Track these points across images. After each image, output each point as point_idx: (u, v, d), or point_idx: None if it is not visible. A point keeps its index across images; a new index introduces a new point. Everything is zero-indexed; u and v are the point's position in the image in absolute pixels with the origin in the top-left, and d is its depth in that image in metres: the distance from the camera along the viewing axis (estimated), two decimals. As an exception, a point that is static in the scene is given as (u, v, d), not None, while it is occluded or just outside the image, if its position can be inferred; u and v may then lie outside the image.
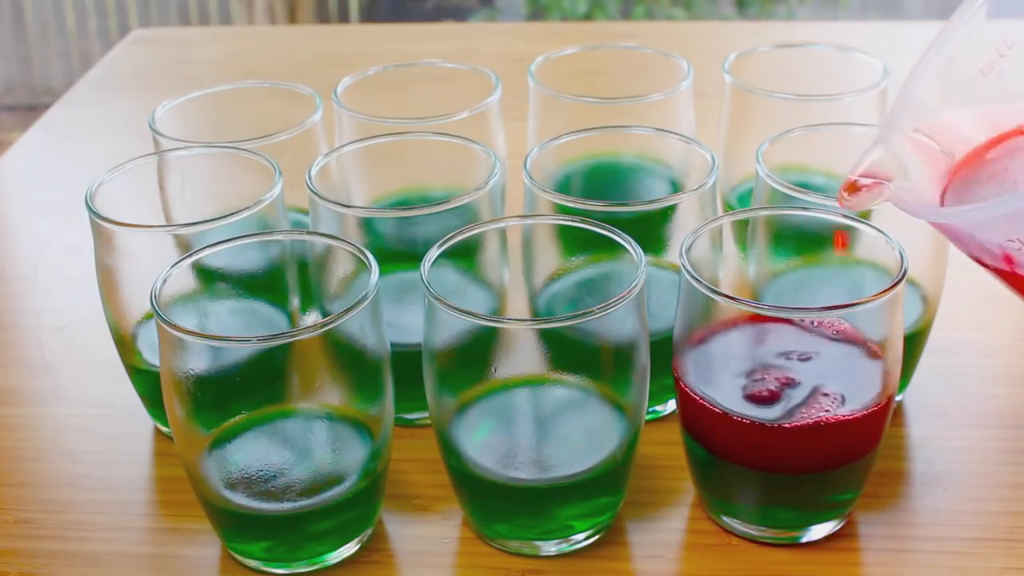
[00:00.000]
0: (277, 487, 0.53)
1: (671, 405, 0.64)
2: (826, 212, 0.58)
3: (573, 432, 0.56)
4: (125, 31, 2.75)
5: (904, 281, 0.52)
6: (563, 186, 0.68)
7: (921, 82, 0.55)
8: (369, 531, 0.57)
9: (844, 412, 0.52)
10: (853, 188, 0.54)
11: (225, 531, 0.56)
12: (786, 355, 0.55)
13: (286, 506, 0.53)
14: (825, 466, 0.54)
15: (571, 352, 0.53)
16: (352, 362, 0.53)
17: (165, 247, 0.58)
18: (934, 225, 0.53)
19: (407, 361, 0.58)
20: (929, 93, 0.56)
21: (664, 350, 0.57)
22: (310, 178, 0.62)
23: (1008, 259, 0.50)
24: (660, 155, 0.71)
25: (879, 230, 0.56)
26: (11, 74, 2.87)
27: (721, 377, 0.55)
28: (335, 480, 0.54)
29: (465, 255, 0.59)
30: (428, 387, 0.55)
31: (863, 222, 0.57)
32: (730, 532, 0.57)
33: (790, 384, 0.54)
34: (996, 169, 0.55)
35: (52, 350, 0.72)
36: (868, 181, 0.54)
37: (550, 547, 0.56)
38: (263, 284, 0.60)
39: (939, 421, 0.64)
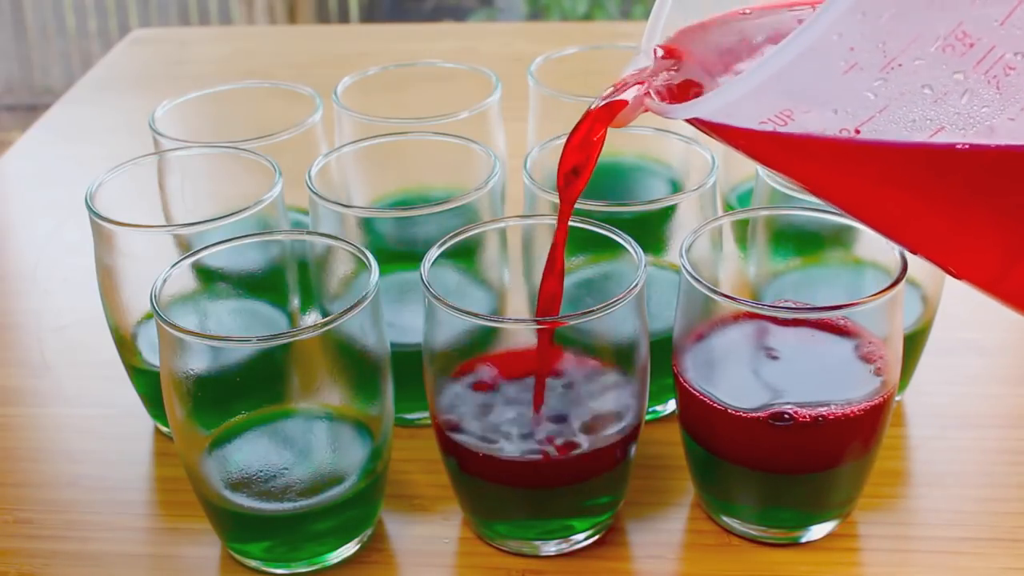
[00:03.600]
0: (277, 487, 0.53)
1: (671, 405, 0.64)
2: (826, 212, 0.57)
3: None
4: (125, 31, 2.75)
5: (904, 281, 0.52)
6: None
7: None
8: (369, 531, 0.57)
9: (844, 411, 0.52)
10: (612, 110, 0.47)
11: (225, 531, 0.56)
12: (786, 355, 0.54)
13: (286, 506, 0.53)
14: (825, 466, 0.54)
15: (571, 352, 0.53)
16: (352, 362, 0.53)
17: (165, 247, 0.58)
18: (704, 128, 0.44)
19: (407, 361, 0.58)
20: None
21: (664, 350, 0.57)
22: (310, 178, 0.62)
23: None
24: (660, 155, 0.71)
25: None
26: (11, 74, 2.87)
27: (721, 376, 0.55)
28: (335, 480, 0.54)
29: (465, 255, 0.59)
30: (428, 387, 0.55)
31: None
32: (730, 532, 0.57)
33: (790, 384, 0.54)
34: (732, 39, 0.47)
35: (52, 350, 0.72)
36: (628, 94, 0.47)
37: (550, 547, 0.56)
38: (263, 284, 0.60)
39: (939, 421, 0.64)
